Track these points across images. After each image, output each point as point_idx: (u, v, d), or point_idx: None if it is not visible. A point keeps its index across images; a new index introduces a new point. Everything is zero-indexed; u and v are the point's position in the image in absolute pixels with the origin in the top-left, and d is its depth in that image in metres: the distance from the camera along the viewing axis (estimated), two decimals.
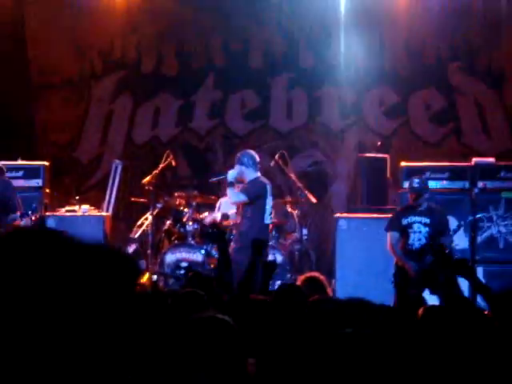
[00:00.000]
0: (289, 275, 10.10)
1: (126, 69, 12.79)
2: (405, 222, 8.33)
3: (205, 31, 12.53)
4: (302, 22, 12.42)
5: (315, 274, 6.56)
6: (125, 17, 12.39)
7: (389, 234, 8.41)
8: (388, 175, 10.47)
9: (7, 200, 8.40)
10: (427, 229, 8.31)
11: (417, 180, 8.45)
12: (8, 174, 9.87)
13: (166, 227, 10.81)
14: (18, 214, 8.29)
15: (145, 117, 12.79)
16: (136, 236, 10.89)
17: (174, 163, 10.88)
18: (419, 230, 8.31)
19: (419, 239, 8.28)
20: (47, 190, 10.13)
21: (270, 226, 10.54)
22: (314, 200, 10.75)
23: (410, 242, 8.28)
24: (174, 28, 12.50)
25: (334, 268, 9.81)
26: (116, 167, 11.46)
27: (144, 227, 10.84)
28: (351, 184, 12.12)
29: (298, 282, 6.50)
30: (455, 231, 8.61)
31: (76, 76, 12.71)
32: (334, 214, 10.37)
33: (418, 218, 8.32)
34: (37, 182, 9.99)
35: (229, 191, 8.30)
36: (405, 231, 8.31)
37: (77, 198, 10.69)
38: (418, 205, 8.34)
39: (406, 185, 9.49)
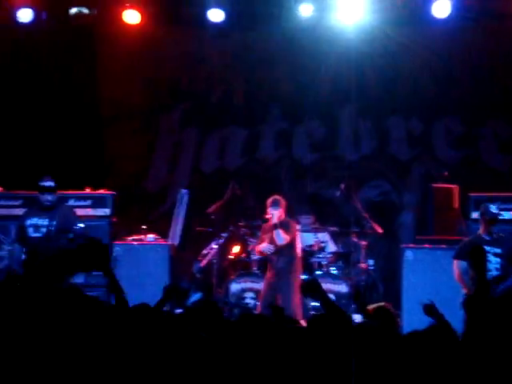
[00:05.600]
0: (354, 306, 9.99)
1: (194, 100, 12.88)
2: None
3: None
4: None
5: (385, 303, 6.46)
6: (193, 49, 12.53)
7: (456, 263, 8.23)
8: (456, 205, 10.29)
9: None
10: (498, 259, 8.13)
11: (494, 206, 8.25)
12: (77, 203, 10.07)
13: (231, 256, 10.83)
14: None
15: (212, 147, 12.86)
16: (202, 265, 10.92)
17: (239, 193, 10.91)
18: (489, 260, 8.09)
19: (489, 270, 8.05)
20: (114, 219, 10.24)
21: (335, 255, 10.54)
22: (380, 230, 10.65)
23: None
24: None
25: (401, 299, 9.66)
26: (182, 196, 11.52)
27: (209, 256, 10.86)
28: (419, 214, 11.94)
29: (369, 312, 6.41)
30: None
31: (144, 108, 12.85)
32: (400, 245, 10.23)
33: (488, 248, 8.08)
34: (104, 212, 10.12)
35: None
36: None
37: (144, 227, 10.76)
38: (489, 234, 8.14)
39: (474, 215, 9.32)
